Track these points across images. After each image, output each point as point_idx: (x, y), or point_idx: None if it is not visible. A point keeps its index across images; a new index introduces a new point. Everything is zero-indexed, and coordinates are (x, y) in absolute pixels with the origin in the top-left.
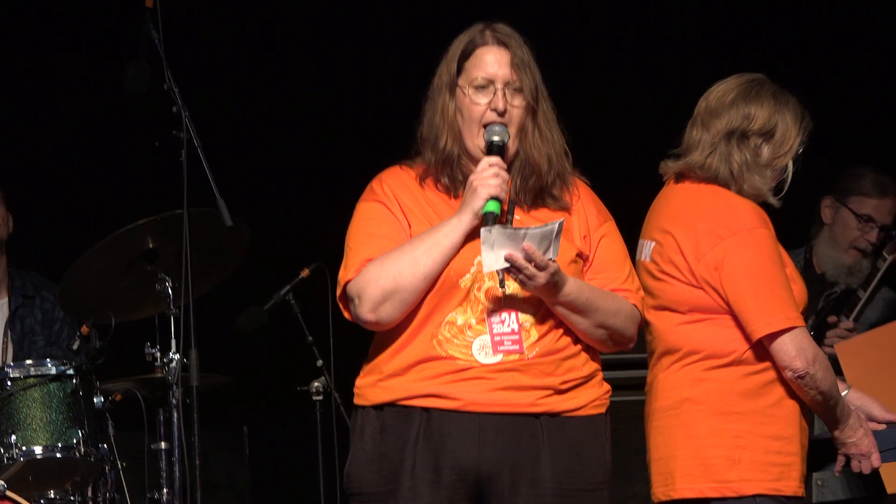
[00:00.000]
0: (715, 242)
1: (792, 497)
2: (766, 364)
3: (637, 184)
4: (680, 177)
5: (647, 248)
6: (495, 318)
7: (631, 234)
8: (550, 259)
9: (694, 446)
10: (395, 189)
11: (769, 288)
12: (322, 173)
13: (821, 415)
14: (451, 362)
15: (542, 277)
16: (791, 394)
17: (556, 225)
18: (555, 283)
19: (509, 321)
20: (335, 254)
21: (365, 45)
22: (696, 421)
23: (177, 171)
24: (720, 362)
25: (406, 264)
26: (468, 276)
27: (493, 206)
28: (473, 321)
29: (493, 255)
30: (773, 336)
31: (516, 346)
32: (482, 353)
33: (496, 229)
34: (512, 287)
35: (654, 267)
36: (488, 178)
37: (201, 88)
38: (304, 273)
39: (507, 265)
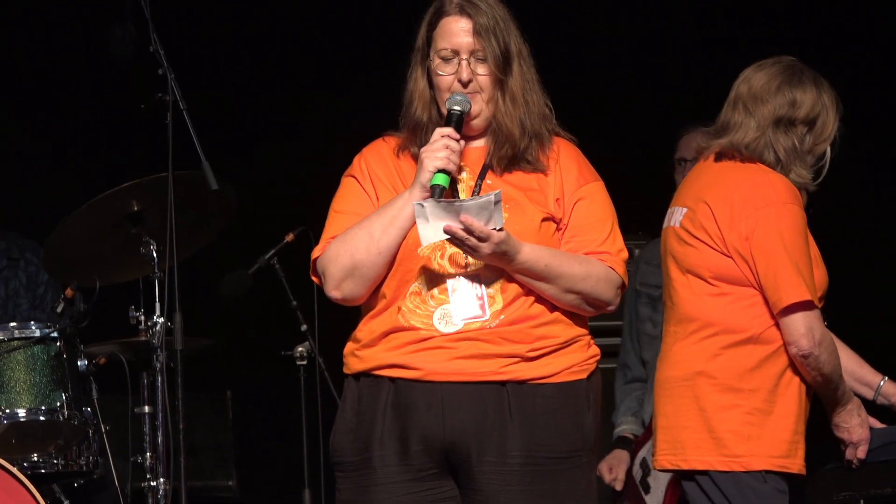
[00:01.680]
0: (749, 212)
1: (796, 475)
2: (781, 343)
3: (634, 181)
4: (720, 156)
5: (677, 213)
6: (457, 286)
7: (626, 228)
8: (497, 229)
9: (705, 419)
10: (370, 162)
11: (794, 262)
12: (308, 137)
13: (820, 395)
14: (414, 332)
15: (485, 248)
16: (801, 374)
17: (493, 196)
18: (503, 252)
19: (472, 288)
20: (320, 218)
21: (352, 6)
22: (709, 395)
23: (162, 134)
24: (736, 339)
25: (362, 240)
26: (433, 241)
27: (440, 179)
28: (436, 291)
29: (430, 228)
30: (788, 310)
31: (479, 313)
32: (442, 322)
33: (429, 203)
34: None
35: (684, 232)
36: (436, 151)
37: (187, 51)
38: (289, 237)
39: (446, 237)
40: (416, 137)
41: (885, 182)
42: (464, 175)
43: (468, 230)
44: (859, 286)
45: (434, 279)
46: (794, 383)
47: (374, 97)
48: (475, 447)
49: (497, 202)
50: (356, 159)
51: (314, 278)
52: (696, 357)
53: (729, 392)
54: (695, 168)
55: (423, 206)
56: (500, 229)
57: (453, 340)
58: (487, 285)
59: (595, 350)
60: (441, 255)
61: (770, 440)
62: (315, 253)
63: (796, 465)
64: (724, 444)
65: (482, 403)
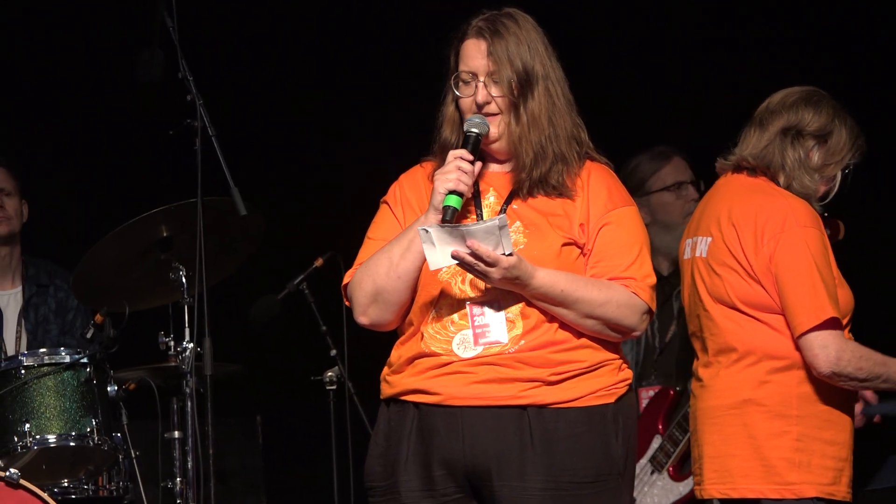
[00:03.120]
0: (769, 238)
1: (841, 502)
2: None
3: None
4: (737, 168)
5: (702, 244)
6: (477, 311)
7: None
8: (507, 254)
9: (755, 447)
10: (404, 188)
11: (808, 286)
12: (336, 162)
13: (883, 391)
14: (435, 358)
15: (495, 273)
16: (844, 399)
17: (497, 220)
18: (515, 277)
19: (491, 312)
20: (349, 243)
21: (383, 29)
22: (758, 422)
23: (191, 160)
24: (779, 365)
25: (383, 266)
26: (444, 269)
27: (451, 201)
28: (456, 316)
29: (437, 252)
30: (803, 335)
31: (498, 338)
32: (461, 347)
33: (433, 228)
34: None
35: (713, 262)
36: (448, 173)
37: (216, 77)
38: (318, 262)
39: (454, 262)
40: (444, 160)
41: (885, 182)
42: (491, 200)
43: (476, 255)
44: (860, 286)
45: (454, 304)
46: (841, 409)
47: (404, 122)
48: (495, 471)
49: (502, 227)
50: (392, 185)
51: (347, 303)
52: (742, 385)
53: (778, 419)
54: (711, 190)
55: (427, 231)
56: (511, 254)
57: (472, 365)
58: (507, 310)
59: (626, 374)
60: (462, 280)
61: (818, 467)
62: (345, 279)
63: (841, 492)
64: (776, 471)
65: (502, 428)
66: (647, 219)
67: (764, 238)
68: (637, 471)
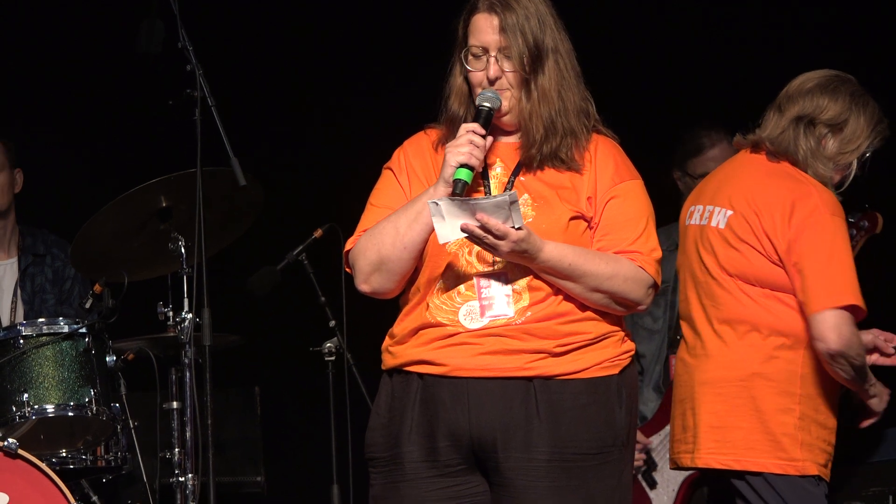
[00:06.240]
0: (796, 221)
1: (827, 484)
2: None
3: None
4: (756, 147)
5: (719, 214)
6: (484, 283)
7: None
8: (516, 228)
9: (762, 421)
10: (409, 155)
11: (835, 269)
12: (336, 133)
13: (856, 390)
14: (441, 329)
15: (504, 246)
16: (836, 388)
17: (507, 195)
18: (524, 251)
19: (498, 285)
20: (348, 214)
21: (382, 3)
22: (766, 397)
23: (190, 130)
24: (787, 342)
25: (388, 235)
26: (452, 240)
27: (462, 174)
28: (463, 287)
29: (447, 226)
30: (819, 312)
31: (505, 310)
32: (468, 318)
33: (444, 201)
34: None
35: (731, 236)
36: (460, 147)
37: (215, 46)
38: (317, 233)
39: (463, 235)
40: (452, 132)
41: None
42: (498, 171)
43: (485, 228)
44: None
45: (461, 276)
46: (833, 395)
47: (403, 93)
48: (501, 442)
49: (513, 202)
50: (396, 152)
51: (348, 269)
52: (751, 358)
53: (784, 395)
54: (732, 161)
55: (437, 204)
56: (520, 228)
57: (479, 336)
58: (514, 282)
59: (629, 345)
60: (469, 251)
61: (816, 448)
62: (347, 245)
63: (827, 474)
64: (782, 447)
65: (508, 399)
66: (684, 190)
67: (791, 222)
68: (661, 437)
